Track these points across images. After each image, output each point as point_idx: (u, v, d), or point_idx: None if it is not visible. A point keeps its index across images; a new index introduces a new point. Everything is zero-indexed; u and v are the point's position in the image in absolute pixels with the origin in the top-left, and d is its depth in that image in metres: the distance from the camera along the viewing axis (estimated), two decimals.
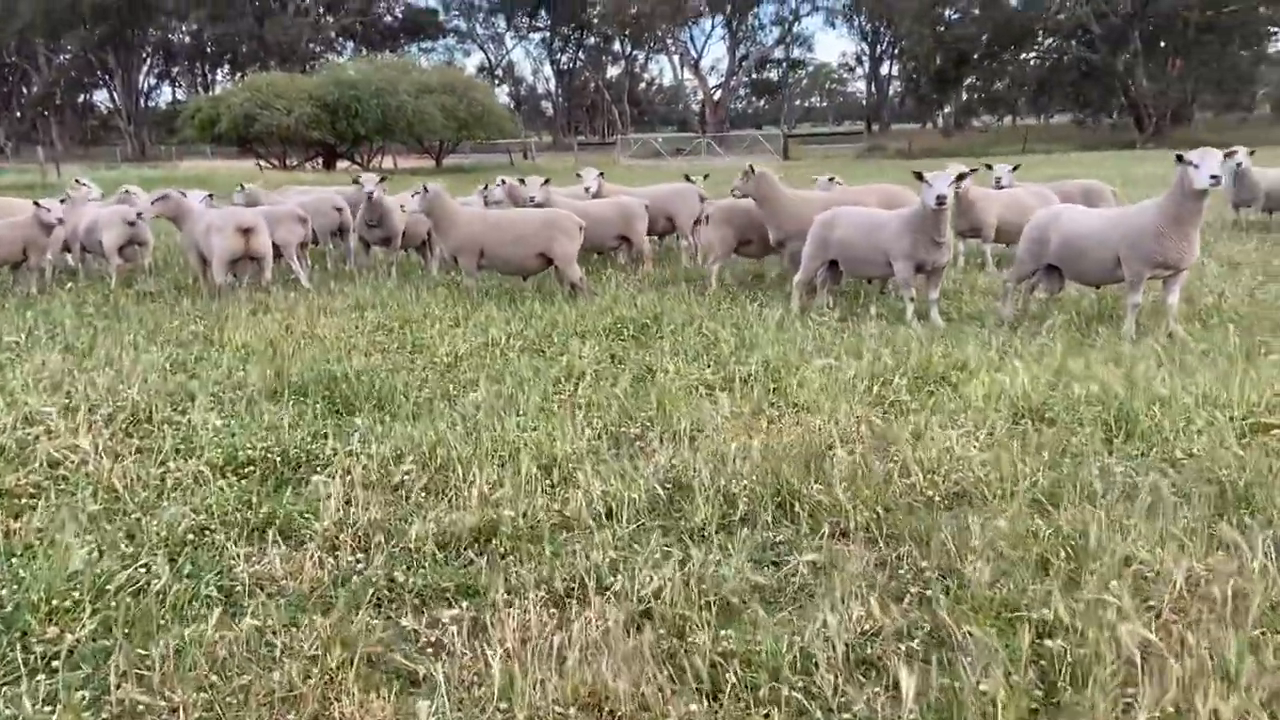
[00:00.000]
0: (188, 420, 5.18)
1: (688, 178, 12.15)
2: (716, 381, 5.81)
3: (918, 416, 4.89)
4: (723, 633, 2.91)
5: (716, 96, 68.48)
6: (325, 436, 4.92)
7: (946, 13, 53.38)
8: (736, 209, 9.80)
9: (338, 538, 3.72)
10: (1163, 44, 46.15)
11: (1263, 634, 2.76)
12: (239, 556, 3.56)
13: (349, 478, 4.22)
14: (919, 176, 7.29)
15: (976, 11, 50.58)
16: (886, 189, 10.85)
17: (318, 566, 3.50)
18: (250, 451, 4.59)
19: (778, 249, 9.69)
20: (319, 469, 4.45)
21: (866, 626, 2.92)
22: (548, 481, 4.25)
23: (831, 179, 11.87)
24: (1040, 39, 52.50)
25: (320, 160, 43.91)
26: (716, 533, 3.67)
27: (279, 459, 4.55)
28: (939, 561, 3.27)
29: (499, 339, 7.28)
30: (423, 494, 4.17)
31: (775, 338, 6.74)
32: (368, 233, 11.28)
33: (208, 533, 3.80)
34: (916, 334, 6.70)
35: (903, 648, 2.80)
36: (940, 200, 7.05)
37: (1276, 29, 49.65)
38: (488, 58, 79.09)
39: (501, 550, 3.61)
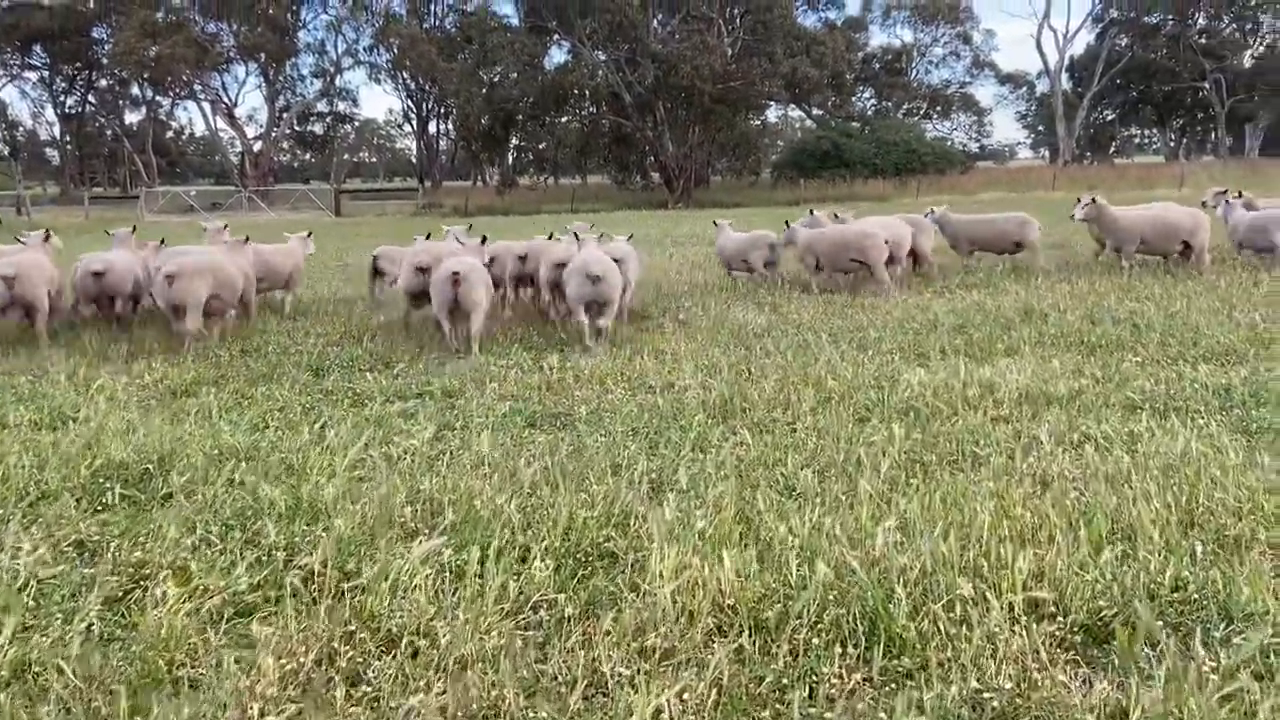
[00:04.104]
0: None
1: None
2: (256, 600, 3.57)
3: (591, 641, 3.13)
4: None
5: (257, 148, 62.91)
6: None
7: (492, 75, 54.02)
8: None
9: None
10: (683, 113, 50.58)
11: None
12: None
13: None
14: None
15: (515, 75, 51.72)
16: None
17: None
18: None
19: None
20: None
21: None
22: None
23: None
24: (577, 104, 55.12)
25: None
26: None
27: None
28: None
29: None
30: None
31: (349, 491, 4.62)
32: None
33: None
34: (549, 466, 4.97)
35: None
36: None
37: (769, 102, 57.16)
38: None
39: None
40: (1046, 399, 6.33)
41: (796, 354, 8.06)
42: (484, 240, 10.73)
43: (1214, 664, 2.79)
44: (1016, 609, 3.19)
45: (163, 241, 11.76)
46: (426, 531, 4.16)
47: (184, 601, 3.50)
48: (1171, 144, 78.93)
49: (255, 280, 10.75)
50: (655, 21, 50.88)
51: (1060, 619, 3.15)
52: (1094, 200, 12.94)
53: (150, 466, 5.24)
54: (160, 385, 7.61)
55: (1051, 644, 3.04)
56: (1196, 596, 3.22)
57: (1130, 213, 13.19)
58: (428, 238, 11.40)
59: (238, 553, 3.95)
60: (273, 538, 4.03)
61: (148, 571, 3.85)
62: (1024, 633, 3.06)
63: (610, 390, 7.13)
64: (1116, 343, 8.11)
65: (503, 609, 3.37)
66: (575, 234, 10.18)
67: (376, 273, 12.33)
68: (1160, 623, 3.05)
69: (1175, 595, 3.26)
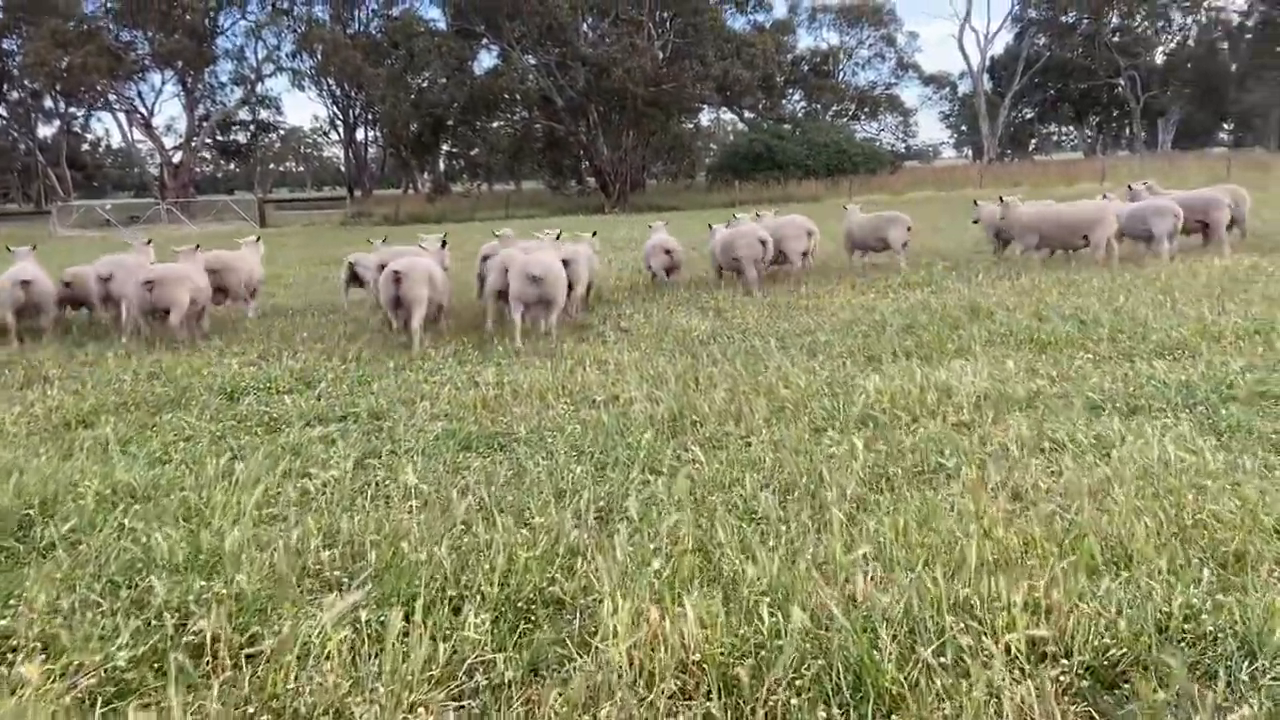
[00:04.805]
0: None
1: None
2: (137, 678, 3.05)
3: (535, 713, 2.69)
4: None
5: (177, 159, 60.77)
6: None
7: (420, 80, 52.93)
8: None
9: None
10: (616, 117, 50.13)
11: None
12: None
13: None
14: None
15: (444, 80, 50.77)
16: None
17: None
18: None
19: None
20: None
21: None
22: None
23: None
24: (508, 109, 54.36)
25: None
26: None
27: None
28: None
29: None
30: None
31: (255, 536, 4.09)
32: None
33: None
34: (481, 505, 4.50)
35: None
36: None
37: (701, 105, 57.04)
38: None
39: None
40: (1006, 402, 6.05)
41: (745, 361, 7.70)
42: (444, 244, 11.16)
43: (1249, 711, 2.45)
44: (1014, 649, 2.83)
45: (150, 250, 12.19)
46: (345, 580, 3.68)
47: (51, 682, 2.97)
48: (1089, 140, 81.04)
49: (238, 284, 11.63)
50: (585, 25, 50.38)
51: (1064, 660, 2.80)
52: (1001, 199, 13.66)
53: (31, 512, 4.65)
54: (54, 415, 6.95)
55: (1058, 691, 2.69)
56: (1211, 629, 2.90)
57: (1031, 209, 13.57)
58: (384, 241, 12.18)
59: (120, 618, 3.41)
60: (162, 597, 3.50)
61: (14, 644, 3.30)
62: (1026, 680, 2.70)
63: (551, 406, 6.68)
64: (1066, 340, 7.91)
65: (431, 677, 2.91)
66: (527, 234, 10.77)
67: (354, 279, 12.53)
68: (1175, 660, 2.70)
69: (1188, 628, 2.93)
